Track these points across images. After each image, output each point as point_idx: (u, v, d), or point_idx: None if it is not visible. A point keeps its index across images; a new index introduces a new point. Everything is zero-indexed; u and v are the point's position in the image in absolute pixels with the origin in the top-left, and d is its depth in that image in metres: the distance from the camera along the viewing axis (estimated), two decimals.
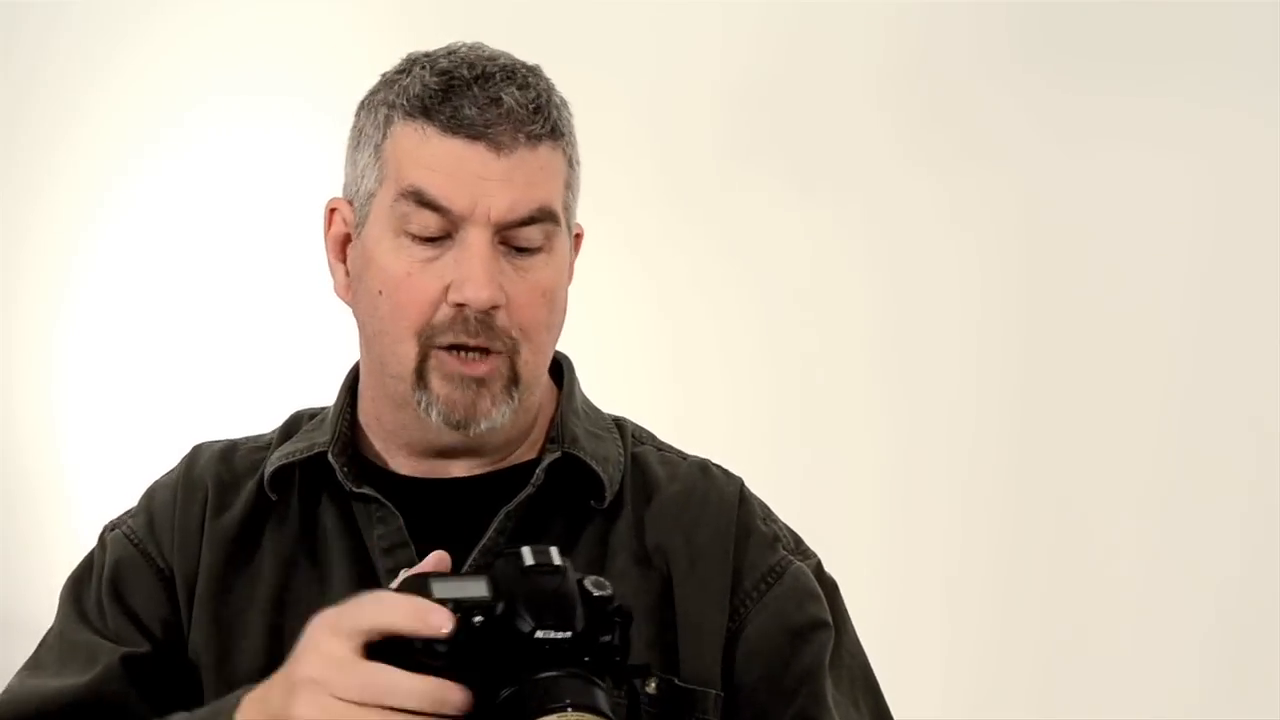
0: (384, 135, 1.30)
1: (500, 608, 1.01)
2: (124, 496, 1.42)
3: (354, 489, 1.31)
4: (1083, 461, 2.68)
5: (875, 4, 2.71)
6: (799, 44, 2.74)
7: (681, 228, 2.72)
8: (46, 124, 2.92)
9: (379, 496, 1.31)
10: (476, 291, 1.25)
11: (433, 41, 1.36)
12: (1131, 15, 2.63)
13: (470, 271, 1.25)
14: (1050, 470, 2.69)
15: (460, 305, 1.26)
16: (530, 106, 1.27)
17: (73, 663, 1.30)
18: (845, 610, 1.36)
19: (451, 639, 1.00)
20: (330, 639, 1.03)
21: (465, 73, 1.28)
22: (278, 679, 1.06)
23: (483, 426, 1.27)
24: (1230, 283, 2.64)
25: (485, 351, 1.27)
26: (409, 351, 1.27)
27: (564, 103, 1.32)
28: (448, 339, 1.26)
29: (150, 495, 1.39)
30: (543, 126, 1.27)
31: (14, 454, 2.93)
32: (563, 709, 0.99)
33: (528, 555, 1.03)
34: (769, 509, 1.38)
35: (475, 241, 1.26)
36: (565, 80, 1.34)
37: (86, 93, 2.90)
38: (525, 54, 1.37)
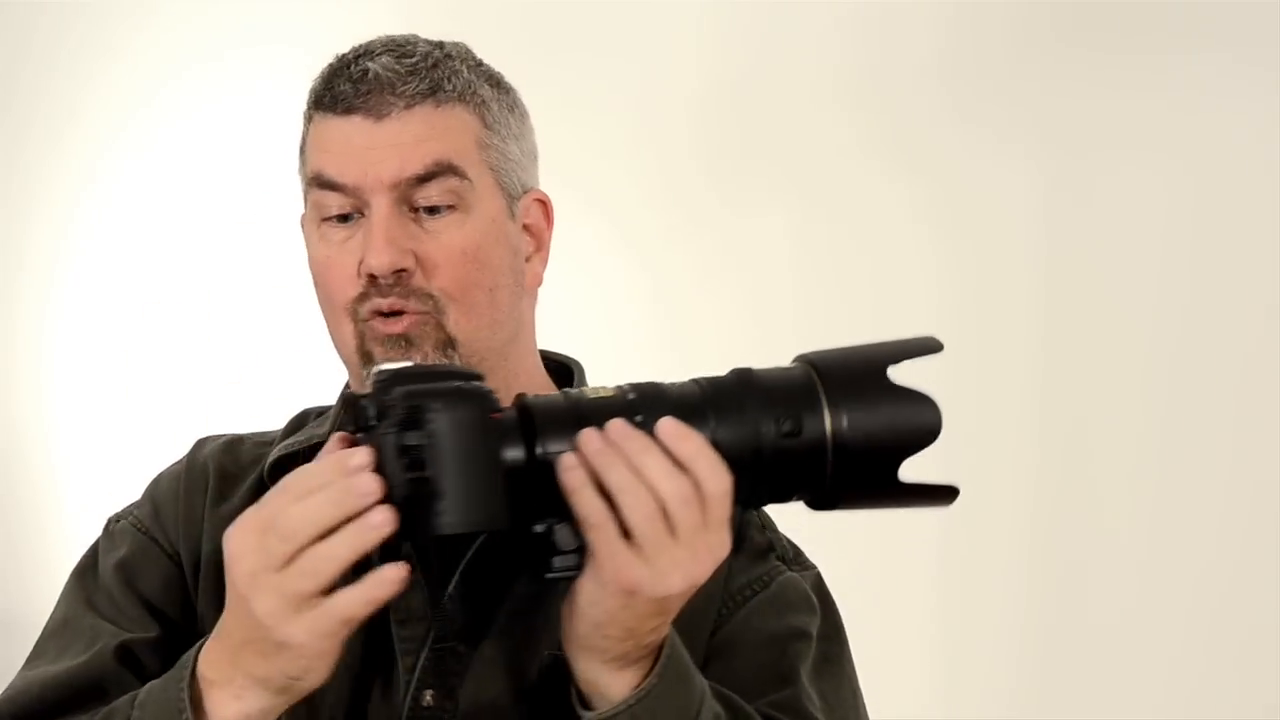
0: (304, 136, 1.34)
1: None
2: (121, 496, 1.43)
3: None
4: (1082, 458, 2.68)
5: (870, 3, 2.72)
6: (786, 44, 2.75)
7: (677, 228, 2.73)
8: (45, 122, 2.93)
9: None
10: (376, 258, 1.26)
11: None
12: (1119, 13, 2.64)
13: (370, 240, 1.27)
14: (1051, 467, 2.69)
15: (371, 276, 1.27)
16: (404, 71, 1.28)
17: (74, 646, 1.30)
18: (842, 626, 1.35)
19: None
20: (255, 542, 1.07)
21: (350, 55, 1.31)
22: (227, 609, 1.09)
23: None
24: (1233, 283, 2.64)
25: (400, 312, 1.27)
26: (348, 332, 1.29)
27: (474, 68, 1.32)
28: (368, 308, 1.28)
29: (155, 484, 1.40)
30: (418, 86, 1.28)
31: (13, 455, 2.93)
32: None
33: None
34: (769, 518, 1.38)
35: (375, 210, 1.27)
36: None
37: (84, 90, 2.91)
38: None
